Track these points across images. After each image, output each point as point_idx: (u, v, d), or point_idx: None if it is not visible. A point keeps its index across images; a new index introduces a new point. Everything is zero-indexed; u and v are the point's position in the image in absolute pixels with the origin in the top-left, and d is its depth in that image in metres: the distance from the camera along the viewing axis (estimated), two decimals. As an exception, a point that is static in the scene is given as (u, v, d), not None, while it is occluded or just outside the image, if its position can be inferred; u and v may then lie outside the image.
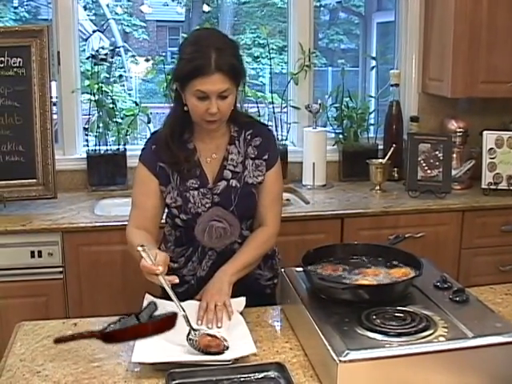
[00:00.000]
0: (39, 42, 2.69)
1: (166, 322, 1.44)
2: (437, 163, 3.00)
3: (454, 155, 3.12)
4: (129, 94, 4.34)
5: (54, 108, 3.02)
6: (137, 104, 3.19)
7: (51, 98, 2.76)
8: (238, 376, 1.39)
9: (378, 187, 3.07)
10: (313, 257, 1.72)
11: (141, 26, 6.18)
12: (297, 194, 3.09)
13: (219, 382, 1.38)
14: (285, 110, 3.32)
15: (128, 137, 3.15)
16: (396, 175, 3.26)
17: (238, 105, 1.91)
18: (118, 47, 3.88)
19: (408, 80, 3.39)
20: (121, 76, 3.38)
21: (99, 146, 3.09)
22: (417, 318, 1.44)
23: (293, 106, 3.30)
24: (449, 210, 2.86)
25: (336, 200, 2.94)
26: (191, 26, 5.67)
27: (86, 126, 3.13)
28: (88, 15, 4.77)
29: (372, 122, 3.40)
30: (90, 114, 3.11)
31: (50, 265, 2.55)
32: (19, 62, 2.68)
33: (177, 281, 1.59)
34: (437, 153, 3.00)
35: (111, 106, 3.08)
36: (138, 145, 3.15)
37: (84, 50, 3.45)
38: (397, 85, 3.29)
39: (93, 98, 3.05)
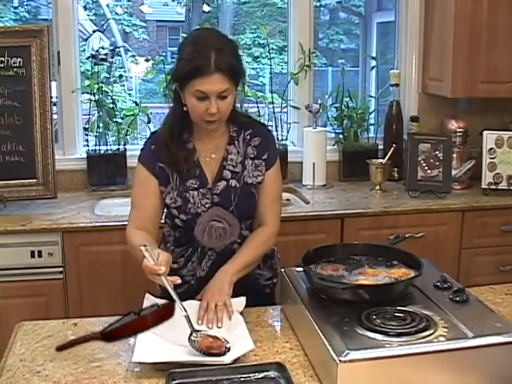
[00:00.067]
0: (39, 42, 2.69)
1: (165, 311, 1.45)
2: (437, 163, 3.00)
3: (454, 155, 3.12)
4: (129, 94, 4.35)
5: (54, 108, 3.02)
6: (137, 104, 3.19)
7: (51, 97, 2.76)
8: (238, 376, 1.39)
9: (378, 187, 3.07)
10: (313, 257, 1.72)
11: (141, 26, 6.18)
12: (297, 193, 3.09)
13: (219, 381, 1.38)
14: (285, 110, 3.32)
15: (128, 137, 3.15)
16: (396, 175, 3.26)
17: (238, 105, 1.91)
18: (118, 47, 3.89)
19: (408, 80, 3.39)
20: (121, 76, 3.38)
21: (99, 146, 3.09)
22: (417, 318, 1.44)
23: (293, 106, 3.30)
24: (449, 210, 2.86)
25: (336, 200, 2.94)
26: (191, 25, 5.67)
27: (86, 126, 3.13)
28: (88, 15, 4.77)
29: (372, 122, 3.40)
30: (90, 114, 3.12)
31: (50, 265, 2.55)
32: (19, 62, 2.68)
33: (179, 281, 1.59)
34: (437, 153, 3.00)
35: (111, 106, 3.08)
36: (137, 145, 3.15)
37: (84, 50, 3.45)
38: (397, 85, 3.29)
39: (93, 97, 3.06)
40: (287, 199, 3.02)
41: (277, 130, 3.25)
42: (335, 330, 1.40)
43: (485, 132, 3.06)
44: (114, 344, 1.54)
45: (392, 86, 3.28)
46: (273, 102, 3.27)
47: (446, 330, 1.40)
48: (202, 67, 1.70)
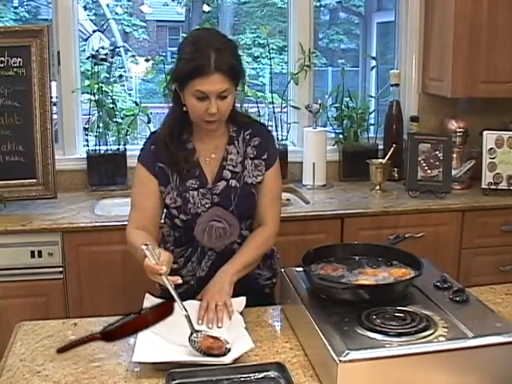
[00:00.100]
0: (39, 42, 2.69)
1: (165, 309, 1.45)
2: (437, 163, 3.00)
3: (454, 155, 3.12)
4: (129, 94, 4.35)
5: (54, 108, 3.02)
6: (137, 104, 3.19)
7: (51, 97, 2.76)
8: (238, 376, 1.39)
9: (378, 187, 3.07)
10: (313, 257, 1.72)
11: (141, 25, 6.18)
12: (297, 193, 3.09)
13: (219, 381, 1.38)
14: (285, 110, 3.32)
15: (128, 137, 3.15)
16: (396, 175, 3.26)
17: (238, 105, 1.91)
18: (118, 47, 3.88)
19: (408, 80, 3.39)
20: (121, 76, 3.38)
21: (99, 146, 3.09)
22: (417, 318, 1.44)
23: (293, 106, 3.30)
24: (449, 209, 2.86)
25: (336, 200, 2.94)
26: (191, 25, 5.66)
27: (86, 126, 3.13)
28: (88, 15, 4.77)
29: (372, 122, 3.40)
30: (89, 114, 3.12)
31: (50, 265, 2.55)
32: (19, 62, 2.68)
33: (180, 281, 1.59)
34: (437, 153, 3.00)
35: (111, 105, 3.08)
36: (137, 145, 3.15)
37: (84, 50, 3.45)
38: (397, 85, 3.29)
39: (93, 97, 3.06)
40: (287, 199, 3.02)
41: (277, 130, 3.25)
42: (335, 330, 1.40)
43: (485, 132, 3.06)
44: (114, 344, 1.54)
45: (392, 86, 3.28)
46: (273, 102, 3.27)
47: (446, 330, 1.40)
48: (202, 67, 1.70)
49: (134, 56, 4.44)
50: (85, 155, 3.08)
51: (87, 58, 3.18)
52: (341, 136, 3.30)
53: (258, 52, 5.13)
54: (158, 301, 1.58)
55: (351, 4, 5.38)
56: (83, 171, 3.08)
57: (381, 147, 3.29)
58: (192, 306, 1.68)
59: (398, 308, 1.49)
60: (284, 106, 3.29)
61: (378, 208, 2.81)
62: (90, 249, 2.57)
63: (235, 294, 1.76)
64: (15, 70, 2.68)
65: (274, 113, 3.27)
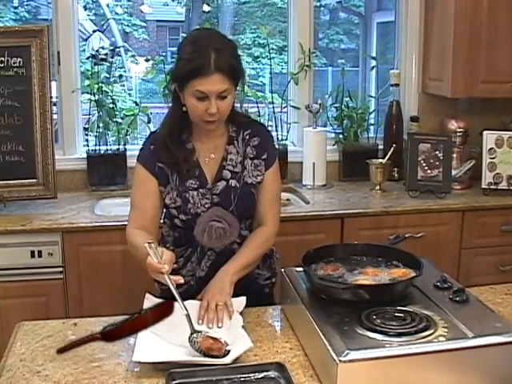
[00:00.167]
0: (39, 42, 2.69)
1: (164, 309, 1.45)
2: (437, 163, 3.00)
3: (454, 155, 3.12)
4: (129, 94, 4.35)
5: (54, 108, 3.02)
6: (137, 104, 3.19)
7: (51, 97, 2.76)
8: (238, 376, 1.39)
9: (378, 187, 3.07)
10: (313, 257, 1.72)
11: (141, 25, 6.18)
12: (297, 193, 3.09)
13: (219, 381, 1.38)
14: (285, 109, 3.32)
15: (128, 137, 3.15)
16: (396, 175, 3.26)
17: (237, 105, 1.91)
18: (118, 47, 3.88)
19: (408, 80, 3.39)
20: (121, 76, 3.38)
21: (99, 145, 3.09)
22: (417, 318, 1.44)
23: (293, 106, 3.30)
24: (449, 209, 2.86)
25: (336, 200, 2.94)
26: (191, 25, 5.67)
27: (86, 126, 3.13)
28: (88, 15, 4.77)
29: (372, 121, 3.40)
30: (89, 114, 3.12)
31: (50, 265, 2.55)
32: (19, 62, 2.68)
33: (182, 281, 1.59)
34: (437, 153, 3.00)
35: (111, 105, 3.08)
36: (137, 145, 3.14)
37: (84, 50, 3.45)
38: (397, 85, 3.29)
39: (93, 97, 3.06)
40: (287, 199, 3.02)
41: (277, 130, 3.25)
42: (335, 330, 1.40)
43: (485, 132, 3.06)
44: (114, 344, 1.54)
45: (392, 85, 3.28)
46: (273, 102, 3.27)
47: (446, 330, 1.40)
48: (202, 67, 1.70)
49: (134, 56, 4.44)
50: (85, 155, 3.08)
51: (87, 58, 3.18)
52: (341, 136, 3.30)
53: (258, 52, 5.13)
54: (159, 301, 1.58)
55: (351, 4, 5.38)
56: (83, 171, 3.08)
57: (381, 147, 3.29)
58: (192, 305, 1.68)
59: (398, 308, 1.49)
60: (284, 106, 3.29)
61: (378, 208, 2.81)
62: (90, 249, 2.57)
63: (235, 294, 1.76)
64: (15, 69, 2.68)
65: (274, 113, 3.27)
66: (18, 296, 2.53)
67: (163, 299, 1.59)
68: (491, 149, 3.04)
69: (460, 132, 3.16)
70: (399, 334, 1.37)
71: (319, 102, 3.22)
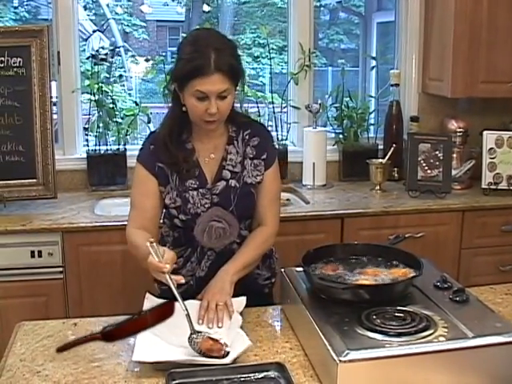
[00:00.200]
0: (39, 42, 2.69)
1: (165, 310, 1.44)
2: (437, 163, 3.00)
3: (454, 155, 3.12)
4: (129, 94, 4.35)
5: (54, 108, 3.02)
6: (137, 104, 3.19)
7: (51, 97, 2.76)
8: (238, 376, 1.39)
9: (378, 187, 3.07)
10: (313, 257, 1.72)
11: (141, 25, 6.19)
12: (297, 193, 3.09)
13: (219, 381, 1.38)
14: (285, 109, 3.32)
15: (128, 137, 3.15)
16: (396, 175, 3.26)
17: (237, 105, 1.91)
18: (118, 47, 3.89)
19: (408, 80, 3.39)
20: (121, 76, 3.38)
21: (99, 145, 3.09)
22: (417, 318, 1.44)
23: (293, 106, 3.30)
24: (449, 209, 2.86)
25: (336, 200, 2.94)
26: (191, 25, 5.67)
27: (86, 126, 3.13)
28: (88, 15, 4.77)
29: (372, 121, 3.40)
30: (89, 114, 3.12)
31: (50, 265, 2.55)
32: (19, 62, 2.68)
33: (183, 281, 1.59)
34: (437, 153, 3.00)
35: (111, 105, 3.08)
36: (137, 145, 3.12)
37: (84, 50, 3.45)
38: (397, 85, 3.29)
39: (93, 97, 3.06)
40: (287, 199, 3.02)
41: (277, 130, 3.25)
42: (335, 330, 1.40)
43: (485, 132, 3.06)
44: (114, 344, 1.54)
45: (392, 85, 3.28)
46: (273, 102, 3.27)
47: (446, 330, 1.40)
48: (202, 67, 1.70)
49: (133, 56, 4.45)
50: (85, 155, 3.08)
51: (87, 58, 3.18)
52: (341, 136, 3.30)
53: (258, 52, 5.14)
54: (159, 301, 1.58)
55: (351, 4, 5.38)
56: (83, 171, 3.08)
57: (381, 147, 3.29)
58: (192, 305, 1.68)
59: (398, 308, 1.49)
60: (284, 106, 3.29)
61: (378, 208, 2.81)
62: (90, 249, 2.57)
63: (234, 294, 1.76)
64: (15, 69, 2.68)
65: (274, 113, 3.27)
66: (18, 296, 2.53)
67: (163, 300, 1.59)
68: (491, 149, 3.04)
69: (460, 132, 3.16)
70: (399, 334, 1.37)
71: (319, 101, 3.22)
